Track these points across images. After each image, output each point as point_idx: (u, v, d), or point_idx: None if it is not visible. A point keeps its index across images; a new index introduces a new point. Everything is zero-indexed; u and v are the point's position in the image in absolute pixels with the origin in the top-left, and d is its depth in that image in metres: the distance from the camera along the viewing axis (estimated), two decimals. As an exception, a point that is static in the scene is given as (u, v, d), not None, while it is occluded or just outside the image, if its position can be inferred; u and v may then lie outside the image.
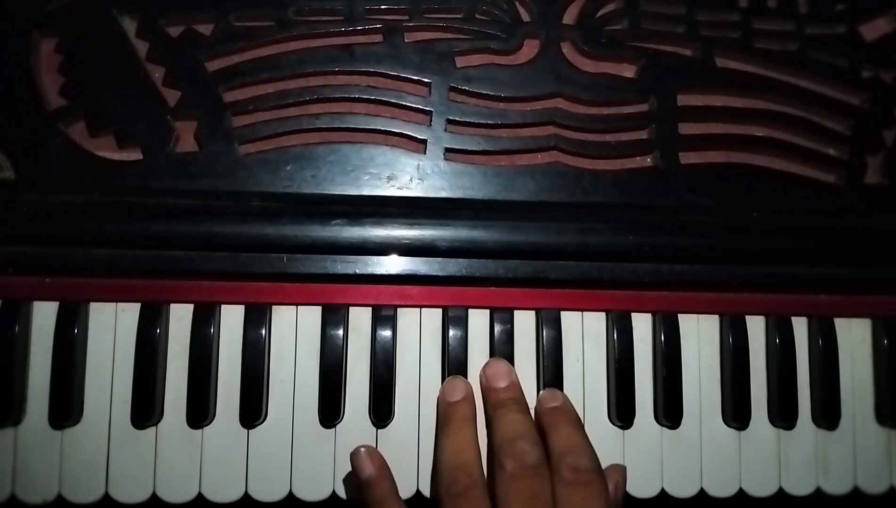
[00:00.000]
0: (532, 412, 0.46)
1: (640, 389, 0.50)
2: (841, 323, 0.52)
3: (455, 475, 0.42)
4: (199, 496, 0.47)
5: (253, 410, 0.47)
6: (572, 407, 0.47)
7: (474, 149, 0.50)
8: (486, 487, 0.42)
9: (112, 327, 0.48)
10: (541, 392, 0.48)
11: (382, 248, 0.48)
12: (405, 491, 0.47)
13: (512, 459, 0.41)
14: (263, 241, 0.47)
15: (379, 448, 0.48)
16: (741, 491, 0.50)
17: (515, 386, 0.47)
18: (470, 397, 0.46)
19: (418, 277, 0.48)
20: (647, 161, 0.51)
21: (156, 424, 0.47)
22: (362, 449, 0.44)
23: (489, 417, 0.46)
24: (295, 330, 0.49)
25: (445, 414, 0.46)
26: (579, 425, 0.45)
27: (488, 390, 0.47)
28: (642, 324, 0.50)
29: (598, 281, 0.49)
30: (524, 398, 0.46)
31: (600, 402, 0.49)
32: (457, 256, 0.48)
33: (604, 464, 0.44)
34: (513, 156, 0.50)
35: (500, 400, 0.45)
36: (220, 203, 0.48)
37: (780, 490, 0.50)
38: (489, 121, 0.50)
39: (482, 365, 0.48)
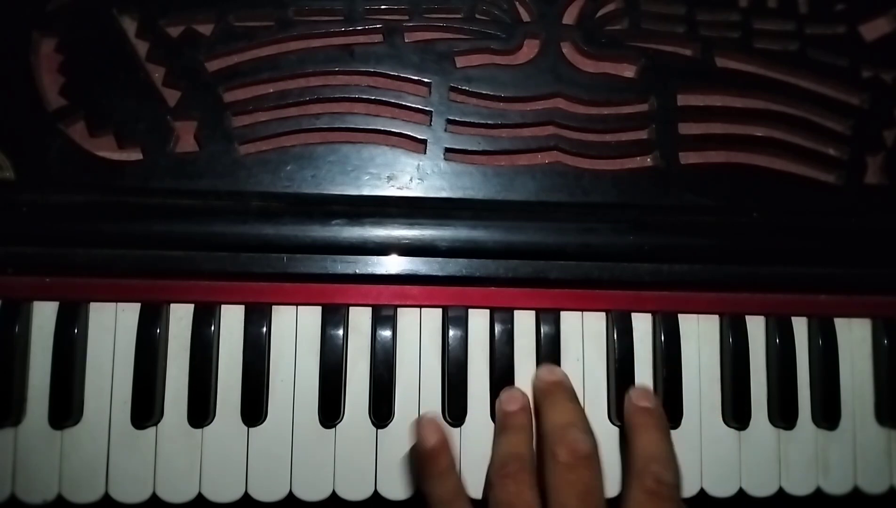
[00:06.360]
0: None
1: (640, 389, 0.49)
2: (841, 323, 0.52)
3: (506, 460, 0.41)
4: (199, 496, 0.47)
5: (253, 410, 0.47)
6: (664, 412, 0.44)
7: (474, 149, 0.50)
8: (535, 475, 0.40)
9: (112, 327, 0.48)
10: (632, 388, 0.45)
11: (382, 248, 0.48)
12: (404, 491, 0.47)
13: (565, 448, 0.39)
14: (263, 241, 0.47)
15: (379, 448, 0.48)
16: (741, 491, 0.50)
17: (565, 379, 0.45)
18: (527, 407, 0.45)
19: (418, 277, 0.48)
20: (647, 161, 0.51)
21: (156, 424, 0.47)
22: (428, 417, 0.43)
23: (538, 405, 0.44)
24: (295, 330, 0.49)
25: (503, 422, 0.45)
26: (668, 433, 0.43)
27: (537, 381, 0.45)
28: (642, 324, 0.50)
29: (598, 281, 0.49)
30: (574, 390, 0.44)
31: (600, 402, 0.49)
32: (457, 256, 0.48)
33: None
34: (513, 156, 0.50)
35: (549, 389, 0.44)
36: (220, 203, 0.47)
37: (780, 490, 0.50)
38: (489, 121, 0.50)
39: (480, 365, 0.48)
